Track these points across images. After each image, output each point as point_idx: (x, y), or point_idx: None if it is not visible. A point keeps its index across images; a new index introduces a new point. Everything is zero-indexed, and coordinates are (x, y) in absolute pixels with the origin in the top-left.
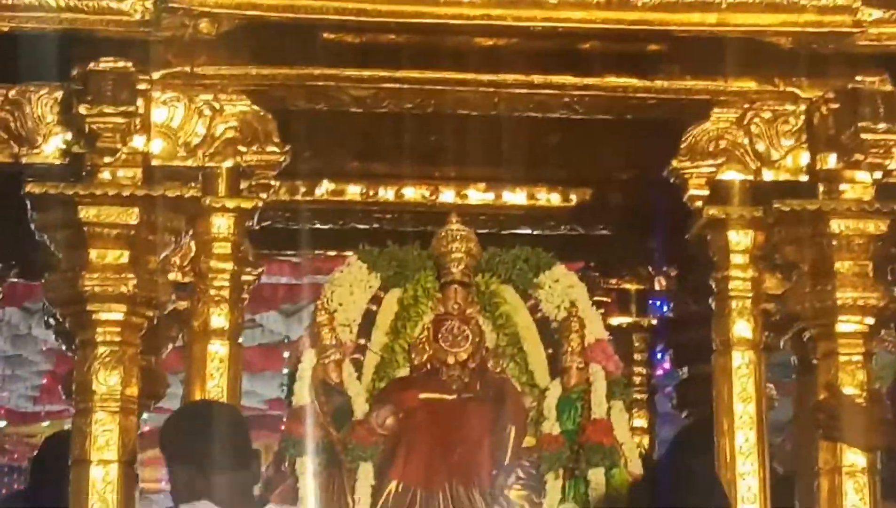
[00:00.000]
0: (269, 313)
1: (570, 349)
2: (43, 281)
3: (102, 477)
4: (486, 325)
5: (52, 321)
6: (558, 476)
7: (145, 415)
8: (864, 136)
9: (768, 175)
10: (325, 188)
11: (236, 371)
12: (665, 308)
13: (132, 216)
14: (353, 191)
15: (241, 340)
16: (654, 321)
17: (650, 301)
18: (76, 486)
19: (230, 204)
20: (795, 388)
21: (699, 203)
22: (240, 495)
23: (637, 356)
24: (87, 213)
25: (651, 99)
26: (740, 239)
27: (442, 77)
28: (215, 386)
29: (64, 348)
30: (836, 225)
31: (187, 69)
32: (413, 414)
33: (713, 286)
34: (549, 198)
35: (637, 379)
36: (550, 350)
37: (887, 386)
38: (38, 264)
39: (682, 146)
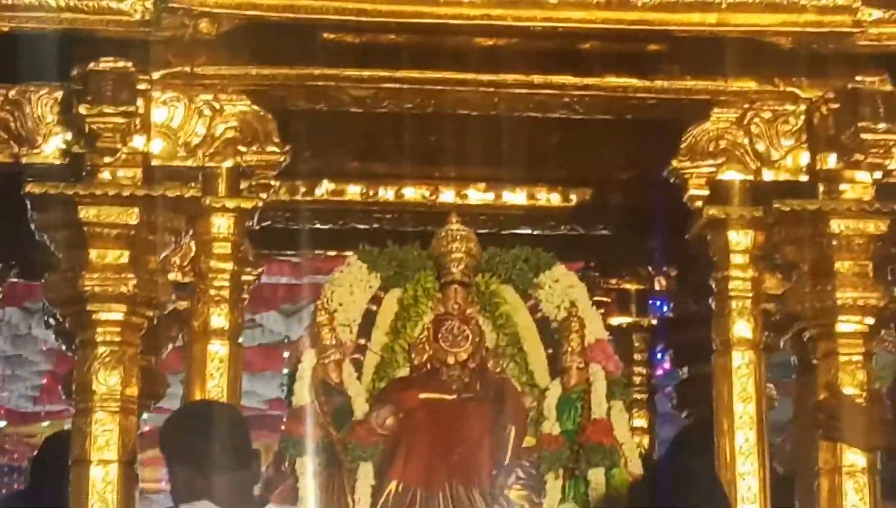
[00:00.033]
0: (269, 313)
1: (570, 349)
2: (43, 281)
3: (102, 477)
4: (486, 325)
5: (51, 320)
6: (558, 476)
7: (145, 415)
8: (864, 136)
9: (768, 175)
10: (325, 188)
11: (236, 371)
12: (665, 308)
13: (132, 216)
14: (353, 191)
15: (240, 340)
16: (654, 321)
17: (650, 301)
18: (76, 486)
19: (230, 204)
20: (795, 388)
21: (699, 203)
22: (240, 495)
23: (637, 356)
24: (87, 213)
25: (651, 99)
26: (740, 239)
27: (442, 77)
28: (215, 386)
29: (64, 348)
30: (836, 225)
31: (187, 69)
32: (413, 414)
33: (713, 286)
34: (549, 198)
35: (637, 379)
36: (550, 350)
37: (887, 386)
38: (38, 264)
39: (682, 146)
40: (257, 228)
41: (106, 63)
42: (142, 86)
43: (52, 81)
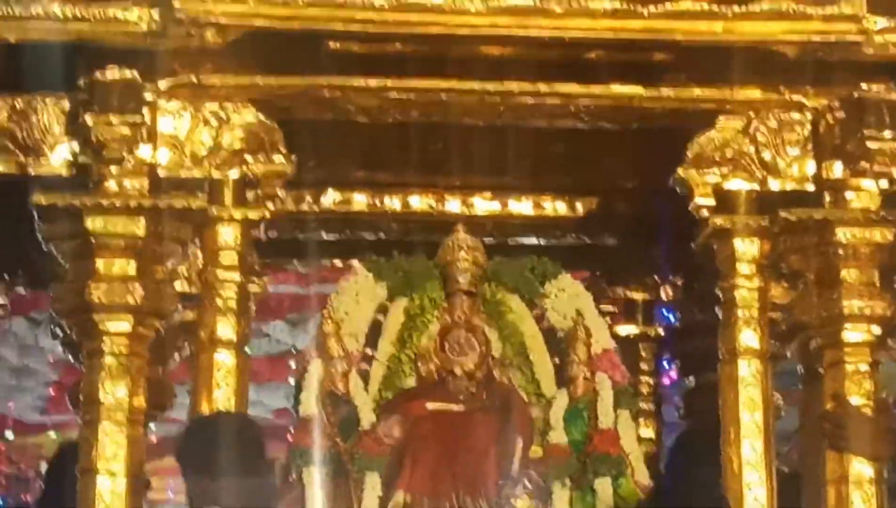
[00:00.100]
0: (276, 323)
1: (576, 359)
2: (50, 291)
3: (110, 488)
4: (493, 334)
5: (58, 331)
6: (565, 486)
7: (152, 426)
8: (869, 144)
9: (774, 184)
10: (331, 198)
11: (243, 381)
12: (672, 318)
13: (139, 227)
14: (360, 200)
15: (247, 350)
16: (661, 331)
17: (657, 311)
18: (84, 497)
19: (237, 214)
20: (802, 397)
21: (705, 212)
22: (255, 504)
23: (644, 366)
24: (93, 223)
25: (657, 108)
26: (746, 248)
27: (448, 87)
28: (222, 396)
29: (71, 358)
30: (842, 234)
31: (194, 79)
32: (420, 424)
33: (719, 296)
34: (556, 207)
35: (644, 389)
36: (557, 360)
37: (894, 396)
38: (45, 275)
39: (688, 155)
40: (264, 238)
41: (112, 73)
42: (148, 96)
43: (59, 91)
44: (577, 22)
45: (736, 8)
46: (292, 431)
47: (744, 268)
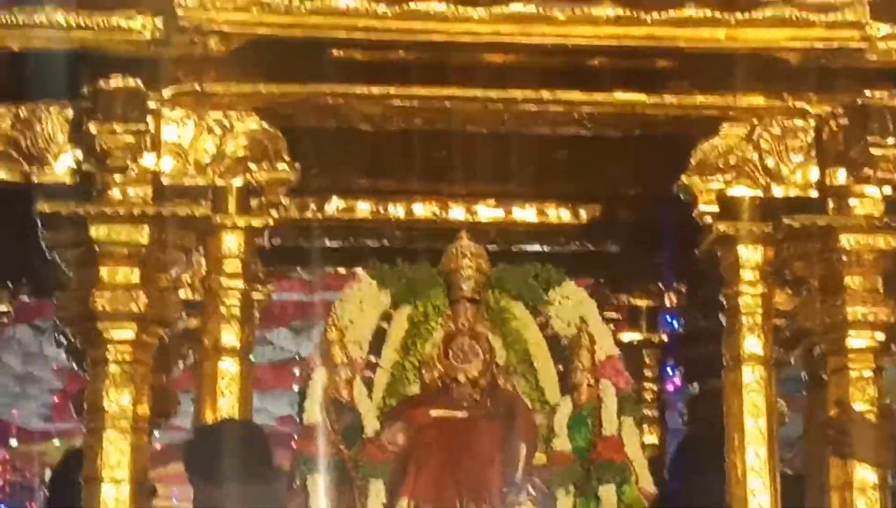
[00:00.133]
0: (280, 331)
1: (580, 366)
2: (54, 299)
3: (114, 496)
4: (496, 342)
5: (62, 339)
6: (569, 492)
7: (156, 433)
8: (873, 151)
9: (778, 191)
10: (334, 205)
11: (247, 389)
12: (675, 324)
13: (143, 235)
14: (363, 208)
15: (251, 357)
16: (665, 337)
17: (660, 317)
18: (88, 505)
19: (240, 222)
20: (806, 404)
21: (709, 219)
22: None
23: (647, 373)
24: (97, 231)
25: (660, 115)
26: (750, 255)
27: (451, 94)
28: (226, 404)
29: (75, 366)
30: (845, 240)
31: (197, 87)
32: (424, 432)
33: (723, 302)
34: (559, 214)
35: (648, 395)
36: (561, 367)
37: None
38: (49, 282)
39: (692, 162)
40: (267, 245)
41: (116, 81)
42: (152, 104)
43: (63, 100)
44: (580, 29)
45: (739, 15)
46: (296, 438)
47: (747, 275)
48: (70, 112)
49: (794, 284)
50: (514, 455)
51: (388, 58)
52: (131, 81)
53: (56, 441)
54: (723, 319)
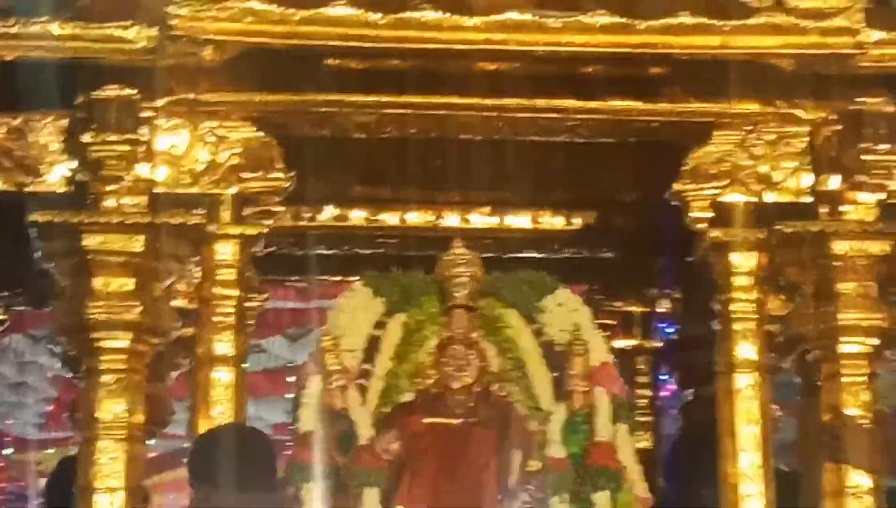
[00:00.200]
0: (274, 339)
1: (574, 373)
2: (49, 309)
3: (109, 504)
4: (491, 349)
5: (57, 348)
6: (563, 499)
7: (152, 442)
8: (866, 157)
9: (771, 197)
10: (329, 214)
11: (241, 397)
12: (670, 331)
13: (137, 244)
14: (358, 216)
15: (245, 365)
16: (659, 344)
17: (655, 324)
18: None
19: (235, 231)
20: (800, 409)
21: (702, 226)
22: None
23: (642, 379)
24: (91, 241)
25: (654, 122)
26: (743, 261)
27: (445, 102)
28: (221, 412)
29: (69, 375)
30: (838, 246)
31: (191, 96)
32: (418, 439)
33: (717, 308)
34: (553, 221)
35: (642, 402)
36: (555, 374)
37: (893, 407)
38: (44, 292)
39: (685, 169)
40: (262, 254)
41: (110, 91)
42: (146, 113)
43: (57, 110)
44: (574, 37)
45: (732, 22)
46: (291, 446)
47: (741, 281)
48: (64, 122)
49: (788, 290)
50: (508, 461)
51: (382, 66)
52: (125, 91)
53: (51, 450)
54: (716, 325)
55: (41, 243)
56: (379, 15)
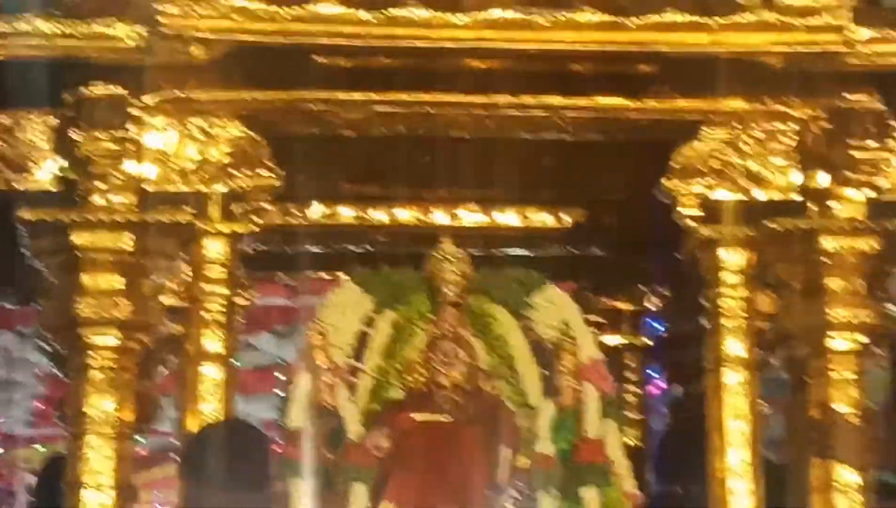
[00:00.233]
0: (263, 335)
1: (563, 370)
2: (37, 306)
3: (97, 502)
4: (480, 346)
5: (46, 345)
6: (552, 495)
7: (140, 439)
8: (854, 154)
9: (759, 194)
10: (318, 211)
11: (230, 394)
12: (659, 328)
13: (126, 242)
14: (346, 213)
15: (234, 362)
16: (648, 341)
17: (644, 321)
18: None
19: (224, 228)
20: (788, 406)
21: (691, 223)
22: None
23: (631, 376)
24: (80, 239)
25: (643, 119)
26: (732, 258)
27: (434, 100)
28: (209, 409)
29: (58, 372)
30: (827, 243)
31: (180, 94)
32: (407, 436)
33: (706, 305)
34: (542, 219)
35: (631, 399)
36: (544, 371)
37: (882, 404)
38: (32, 289)
39: (674, 166)
40: (251, 251)
41: (99, 89)
42: (135, 111)
43: (45, 107)
44: (563, 34)
45: (721, 19)
46: (280, 443)
47: (730, 278)
48: (53, 120)
49: (776, 286)
50: (497, 458)
51: (371, 64)
52: (114, 89)
53: (40, 447)
54: (705, 322)
55: (30, 241)
56: (368, 13)
